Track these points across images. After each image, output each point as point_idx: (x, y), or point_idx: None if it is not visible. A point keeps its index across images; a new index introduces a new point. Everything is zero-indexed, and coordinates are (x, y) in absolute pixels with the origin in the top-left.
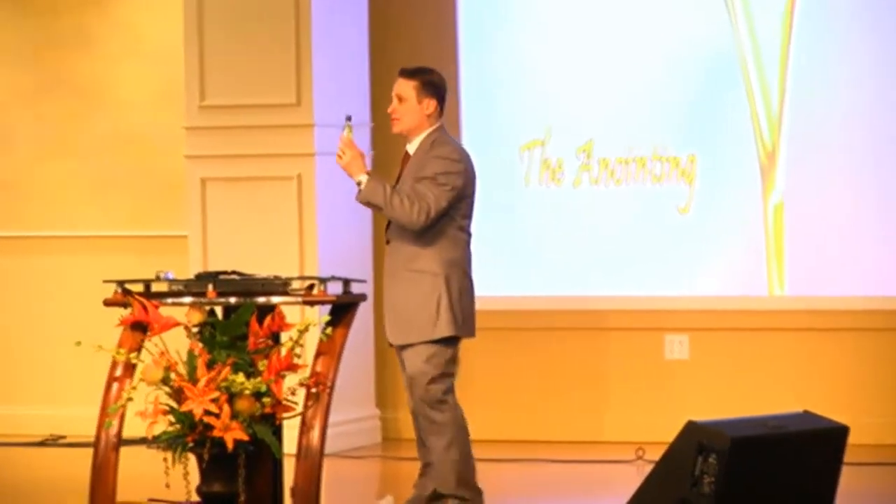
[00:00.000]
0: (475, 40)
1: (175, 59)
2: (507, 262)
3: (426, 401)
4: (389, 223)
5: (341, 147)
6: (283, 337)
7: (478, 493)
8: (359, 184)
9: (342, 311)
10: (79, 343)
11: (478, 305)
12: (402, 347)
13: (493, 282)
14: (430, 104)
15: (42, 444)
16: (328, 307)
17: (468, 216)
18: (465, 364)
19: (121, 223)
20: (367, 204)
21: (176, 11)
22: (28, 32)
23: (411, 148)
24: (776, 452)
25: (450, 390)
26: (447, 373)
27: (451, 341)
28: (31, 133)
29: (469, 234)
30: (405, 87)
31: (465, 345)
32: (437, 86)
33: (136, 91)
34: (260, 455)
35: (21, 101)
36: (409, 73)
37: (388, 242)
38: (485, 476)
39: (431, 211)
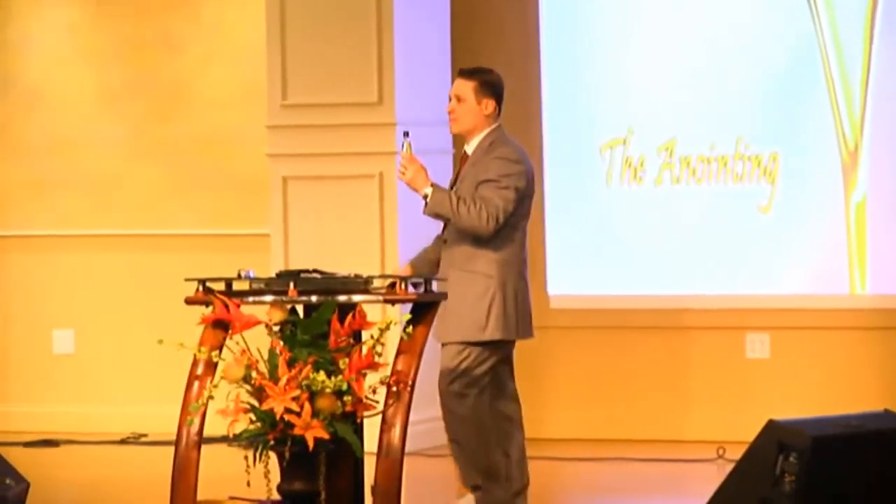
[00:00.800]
0: (557, 38)
1: (258, 58)
2: (589, 261)
3: (446, 394)
4: (447, 223)
5: (403, 163)
6: (364, 335)
7: (500, 481)
8: (425, 197)
9: (423, 309)
10: (161, 341)
11: (559, 304)
12: (444, 344)
13: (574, 281)
14: (489, 104)
15: (123, 442)
16: (409, 305)
17: (526, 216)
18: (547, 363)
19: (204, 222)
20: (436, 216)
21: (259, 12)
22: (114, 34)
23: (469, 148)
24: (857, 451)
25: (471, 385)
26: (478, 374)
27: (498, 345)
28: (116, 133)
29: (525, 234)
30: (464, 88)
31: (547, 344)
32: (495, 86)
33: (219, 91)
34: (340, 453)
35: (107, 101)
36: (468, 74)
37: (445, 242)
38: (566, 475)
39: (500, 215)
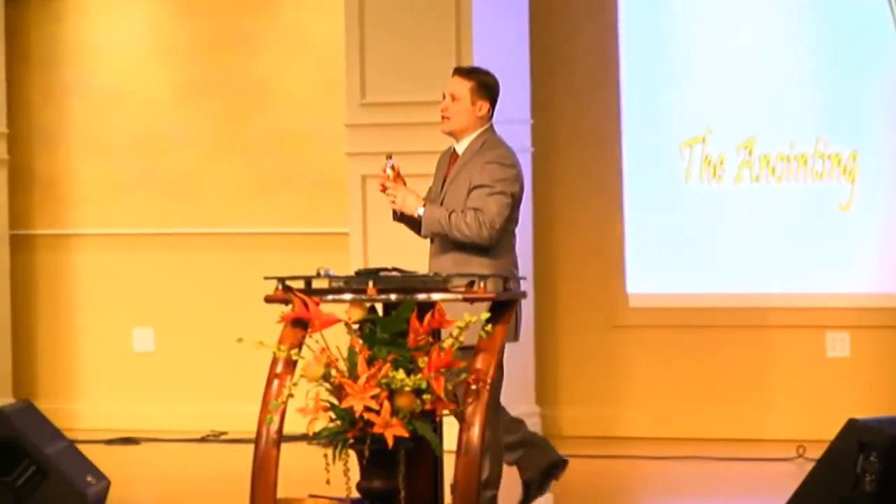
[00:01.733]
0: (636, 38)
1: (337, 57)
2: (668, 259)
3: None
4: None
5: (390, 189)
6: (444, 334)
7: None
8: (418, 217)
9: (502, 308)
10: (240, 339)
11: (638, 303)
12: None
13: (653, 279)
14: (484, 106)
15: (203, 440)
16: (488, 304)
17: (517, 219)
18: (625, 362)
19: (283, 220)
20: (433, 234)
21: (338, 10)
22: (193, 33)
23: (459, 148)
24: None
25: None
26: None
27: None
28: (196, 132)
29: (515, 237)
30: (460, 87)
31: (626, 343)
32: (491, 88)
33: (298, 90)
34: (420, 452)
35: (186, 100)
36: (465, 73)
37: (431, 241)
38: (647, 473)
39: (496, 223)
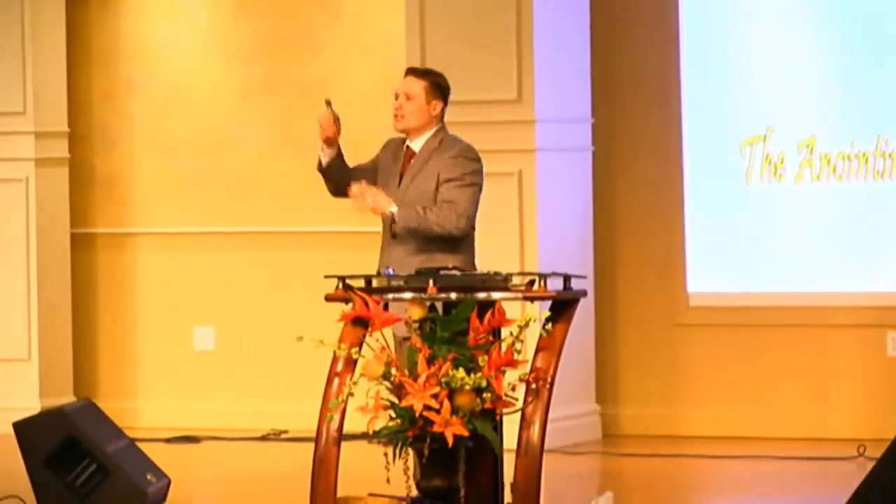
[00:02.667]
0: (697, 36)
1: (398, 56)
2: (729, 258)
3: None
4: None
5: (358, 195)
6: (504, 332)
7: None
8: (391, 215)
9: (562, 306)
10: (300, 338)
11: (698, 302)
12: (406, 339)
13: (714, 278)
14: (438, 105)
15: (263, 438)
16: (548, 303)
17: (476, 213)
18: (685, 360)
19: (344, 219)
20: (407, 231)
21: (399, 9)
22: (254, 31)
23: (415, 146)
24: None
25: None
26: None
27: None
28: (257, 131)
29: (474, 229)
30: (415, 86)
31: (686, 341)
32: (444, 89)
33: (359, 88)
34: (480, 450)
35: (247, 99)
36: (419, 73)
37: (393, 237)
38: (707, 472)
39: (467, 210)
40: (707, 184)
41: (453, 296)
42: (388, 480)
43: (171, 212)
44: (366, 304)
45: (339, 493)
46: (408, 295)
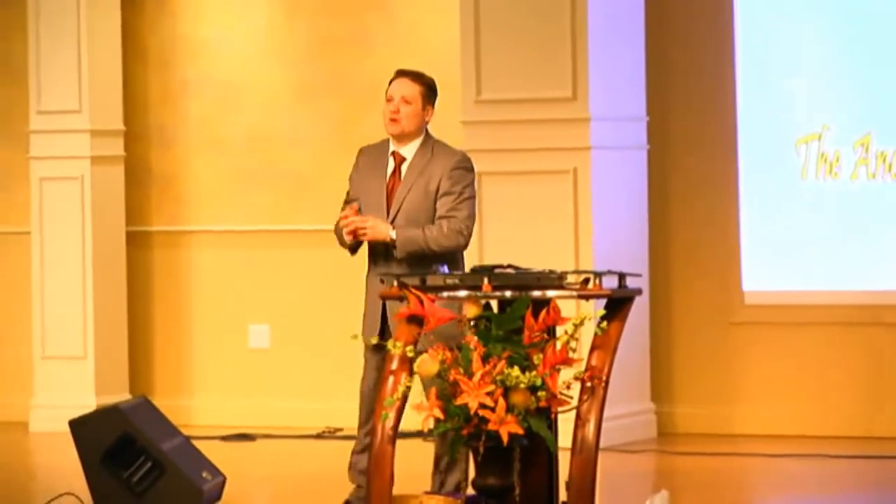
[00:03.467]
0: (752, 34)
1: (452, 55)
2: (784, 257)
3: None
4: (391, 223)
5: (357, 224)
6: (559, 331)
7: None
8: (392, 241)
9: (617, 305)
10: (355, 336)
11: (754, 300)
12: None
13: (769, 277)
14: (430, 111)
15: (319, 436)
16: (603, 301)
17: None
18: (741, 359)
19: None
20: (408, 254)
21: (453, 8)
22: (310, 32)
23: (406, 152)
24: None
25: None
26: None
27: None
28: (312, 130)
29: None
30: (412, 90)
31: (741, 340)
32: (436, 93)
33: None
34: (535, 449)
35: (303, 99)
36: (414, 77)
37: (385, 247)
38: (762, 471)
39: (470, 225)
40: (762, 182)
41: (508, 294)
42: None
43: (227, 210)
44: (421, 302)
45: (395, 491)
46: (463, 293)
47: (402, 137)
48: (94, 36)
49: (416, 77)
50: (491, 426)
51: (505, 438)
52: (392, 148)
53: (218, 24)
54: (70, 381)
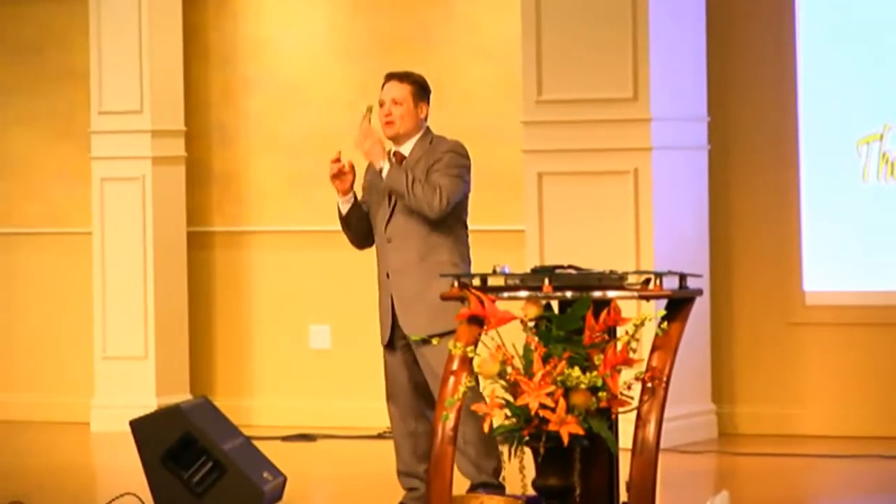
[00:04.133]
0: (813, 35)
1: (513, 54)
2: (845, 257)
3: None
4: (390, 220)
5: (360, 135)
6: (619, 331)
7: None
8: (380, 170)
9: (678, 305)
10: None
11: (815, 301)
12: (426, 341)
13: (830, 277)
14: (424, 108)
15: (380, 436)
16: (664, 301)
17: (468, 210)
18: (802, 360)
19: None
20: (390, 190)
21: (514, 7)
22: (370, 30)
23: (405, 150)
24: None
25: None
26: None
27: None
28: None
29: (467, 227)
30: (401, 91)
31: (803, 341)
32: (428, 90)
33: (474, 87)
34: (595, 449)
35: (364, 97)
36: (402, 78)
37: (389, 241)
38: (823, 472)
39: (450, 197)
40: (823, 182)
41: (569, 294)
42: (503, 479)
43: (288, 210)
44: (481, 302)
45: (455, 492)
46: (523, 294)
47: (400, 138)
48: (155, 36)
49: (404, 77)
50: (551, 427)
51: (565, 439)
52: (393, 149)
53: (279, 23)
54: (131, 382)
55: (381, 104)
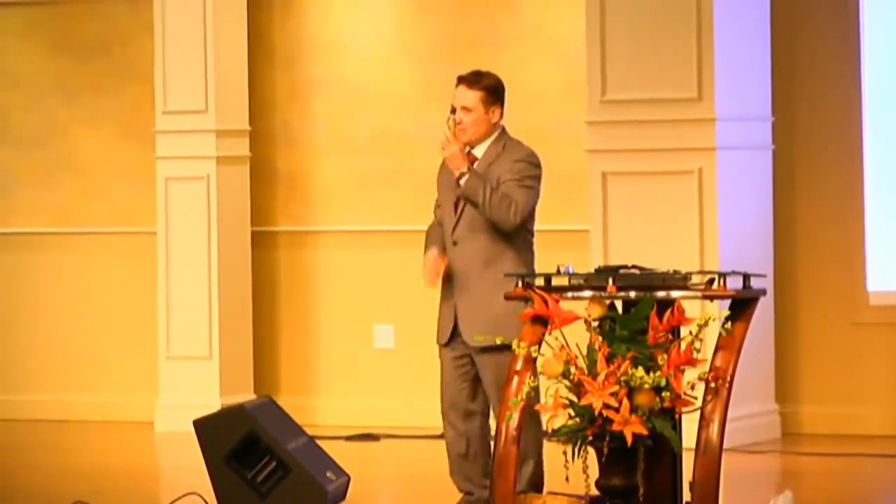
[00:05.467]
0: (878, 32)
1: (578, 54)
2: None
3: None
4: (458, 224)
5: (445, 140)
6: (683, 331)
7: None
8: (459, 177)
9: (742, 305)
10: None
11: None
12: (487, 350)
13: (894, 277)
14: (496, 111)
15: (443, 437)
16: (728, 301)
17: (535, 219)
18: (866, 360)
19: None
20: (466, 199)
21: (578, 8)
22: (436, 31)
23: (477, 152)
24: None
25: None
26: None
27: None
28: (439, 130)
29: (533, 235)
30: (471, 98)
31: (866, 341)
32: (500, 91)
33: (540, 87)
34: (659, 449)
35: (430, 98)
36: (471, 83)
37: (454, 244)
38: (888, 472)
39: (523, 210)
40: (888, 182)
41: (633, 294)
42: (566, 479)
43: (353, 210)
44: (545, 302)
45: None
46: (587, 294)
47: (472, 143)
48: (220, 35)
49: (474, 82)
50: (615, 427)
51: (629, 439)
52: (467, 149)
53: (345, 23)
54: (195, 381)
55: (453, 110)
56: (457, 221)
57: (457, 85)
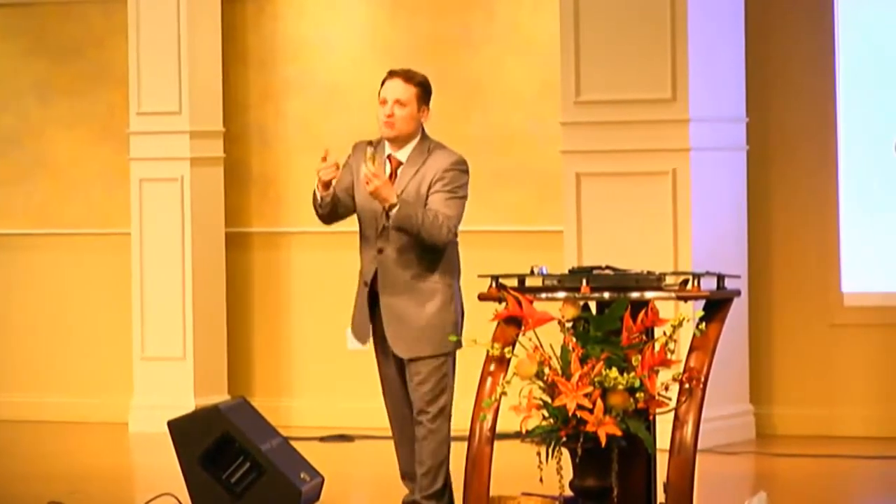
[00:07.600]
0: (853, 33)
1: (553, 56)
2: (884, 258)
3: (432, 412)
4: (382, 232)
5: (368, 175)
6: (657, 332)
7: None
8: (389, 208)
9: (716, 306)
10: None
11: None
12: (413, 360)
13: (869, 278)
14: (426, 112)
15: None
16: (702, 302)
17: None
18: (840, 361)
19: (497, 218)
20: (399, 229)
21: (553, 9)
22: (411, 32)
23: (402, 155)
24: None
25: (451, 400)
26: (451, 384)
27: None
28: None
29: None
30: (406, 92)
31: (840, 342)
32: (430, 92)
33: (514, 88)
34: (633, 450)
35: None
36: (408, 78)
37: (380, 251)
38: (862, 473)
39: (454, 226)
40: (862, 183)
41: (607, 295)
42: (540, 480)
43: None
44: (519, 303)
45: (492, 493)
46: (561, 294)
47: (398, 140)
48: (194, 37)
49: (410, 77)
50: (589, 427)
51: (603, 440)
52: (388, 151)
53: (319, 25)
54: (169, 382)
55: (383, 103)
56: (381, 228)
57: (389, 78)
